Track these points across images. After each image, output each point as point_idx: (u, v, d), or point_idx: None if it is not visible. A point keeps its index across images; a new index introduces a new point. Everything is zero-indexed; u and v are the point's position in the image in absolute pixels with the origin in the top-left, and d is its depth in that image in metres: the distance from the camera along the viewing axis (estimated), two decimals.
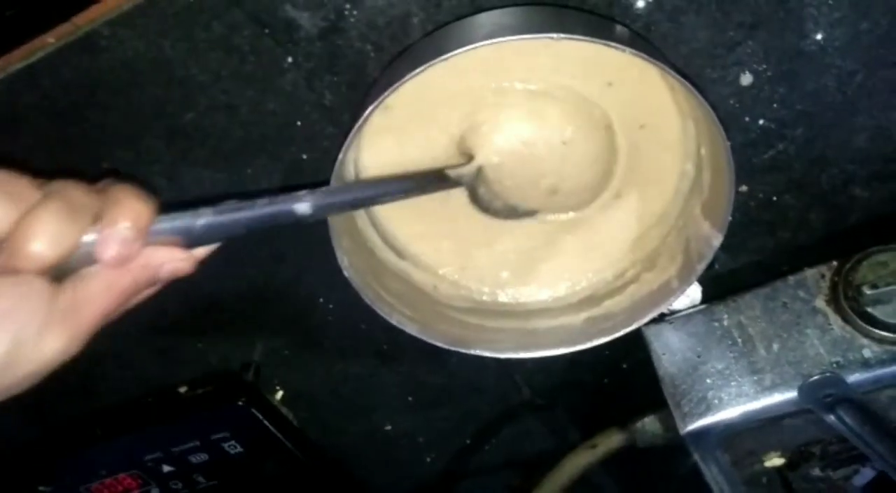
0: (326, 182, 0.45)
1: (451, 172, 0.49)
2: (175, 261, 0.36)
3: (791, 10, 0.48)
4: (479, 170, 0.50)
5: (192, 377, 0.71)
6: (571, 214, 0.55)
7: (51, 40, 0.49)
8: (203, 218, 0.36)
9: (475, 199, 0.52)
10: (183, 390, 0.71)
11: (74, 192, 0.34)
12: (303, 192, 0.39)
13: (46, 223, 0.32)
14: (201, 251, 0.38)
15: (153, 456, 0.72)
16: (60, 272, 0.33)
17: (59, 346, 0.33)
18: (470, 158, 0.50)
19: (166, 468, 0.72)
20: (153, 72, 0.51)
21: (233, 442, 0.70)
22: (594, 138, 0.50)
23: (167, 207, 0.36)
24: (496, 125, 0.50)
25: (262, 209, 0.37)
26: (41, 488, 0.73)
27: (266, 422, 0.70)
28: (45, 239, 0.32)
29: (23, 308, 0.32)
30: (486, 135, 0.50)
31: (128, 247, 0.34)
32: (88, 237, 0.33)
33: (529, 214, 0.54)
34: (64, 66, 0.50)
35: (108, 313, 0.35)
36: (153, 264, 0.35)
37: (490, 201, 0.52)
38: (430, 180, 0.49)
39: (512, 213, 0.53)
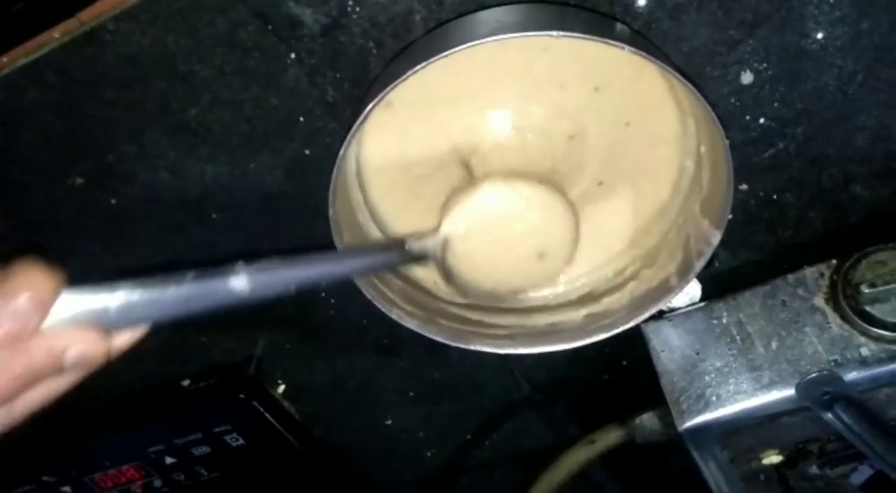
0: (328, 179, 0.45)
1: (415, 245, 0.45)
2: (83, 343, 0.30)
3: (792, 9, 0.48)
4: (446, 242, 0.45)
5: (194, 371, 0.72)
6: None
7: (56, 35, 0.50)
8: (119, 294, 0.31)
9: (449, 281, 0.46)
10: (186, 383, 0.72)
11: None
12: (239, 264, 0.35)
13: None
14: (123, 338, 0.32)
15: (156, 448, 0.72)
16: None
17: None
18: (436, 228, 0.46)
19: (169, 460, 0.73)
20: (157, 67, 0.51)
21: (234, 435, 0.71)
22: (556, 160, 0.47)
23: (80, 283, 0.31)
24: (470, 185, 0.46)
25: (190, 284, 0.33)
26: (45, 478, 0.74)
27: (267, 415, 0.70)
28: None
29: None
30: (460, 194, 0.46)
31: (22, 322, 0.29)
32: None
33: (514, 294, 0.48)
34: (69, 61, 0.51)
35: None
36: (56, 348, 0.30)
37: (466, 286, 0.46)
38: (390, 256, 0.45)
39: (493, 298, 0.47)
